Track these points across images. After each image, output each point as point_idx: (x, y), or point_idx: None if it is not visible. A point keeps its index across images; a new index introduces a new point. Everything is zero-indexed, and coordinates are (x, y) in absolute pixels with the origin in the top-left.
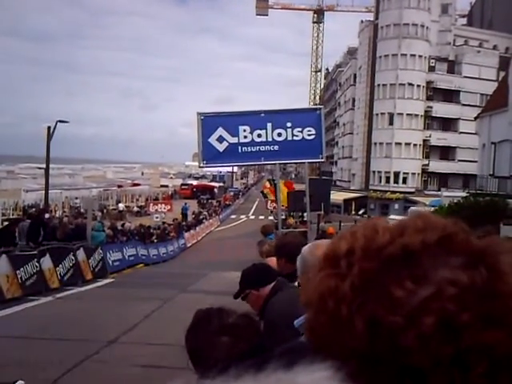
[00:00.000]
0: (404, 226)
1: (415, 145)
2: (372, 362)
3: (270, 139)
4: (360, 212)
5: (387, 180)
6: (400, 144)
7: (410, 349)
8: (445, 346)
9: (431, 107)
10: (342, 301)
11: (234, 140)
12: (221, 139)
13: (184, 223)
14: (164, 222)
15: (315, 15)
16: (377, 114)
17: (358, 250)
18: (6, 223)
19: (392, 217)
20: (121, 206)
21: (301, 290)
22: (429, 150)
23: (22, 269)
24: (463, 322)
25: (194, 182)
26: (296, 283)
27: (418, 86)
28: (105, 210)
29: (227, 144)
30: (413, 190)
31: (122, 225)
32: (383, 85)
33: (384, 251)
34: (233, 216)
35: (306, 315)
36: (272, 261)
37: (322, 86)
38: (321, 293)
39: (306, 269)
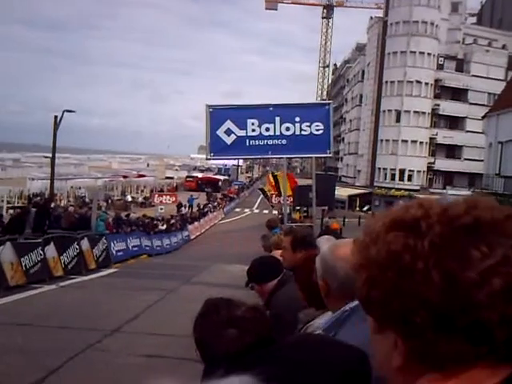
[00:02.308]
0: (476, 202)
1: (421, 142)
2: (444, 313)
3: (277, 133)
4: (364, 208)
5: (392, 177)
6: (406, 141)
7: (481, 304)
8: (511, 305)
9: (438, 105)
10: (420, 256)
11: (242, 133)
12: (229, 132)
13: (189, 215)
14: (171, 216)
15: (324, 10)
16: (384, 111)
17: (433, 215)
18: (17, 211)
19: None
20: (128, 197)
21: (354, 254)
22: (435, 148)
23: (26, 257)
24: None
25: (199, 175)
26: None
27: (426, 83)
28: (109, 201)
29: (235, 137)
30: (418, 187)
31: (127, 215)
32: (391, 82)
33: (458, 220)
34: (237, 209)
35: (362, 275)
36: (278, 253)
37: (330, 82)
38: (393, 250)
39: (327, 269)
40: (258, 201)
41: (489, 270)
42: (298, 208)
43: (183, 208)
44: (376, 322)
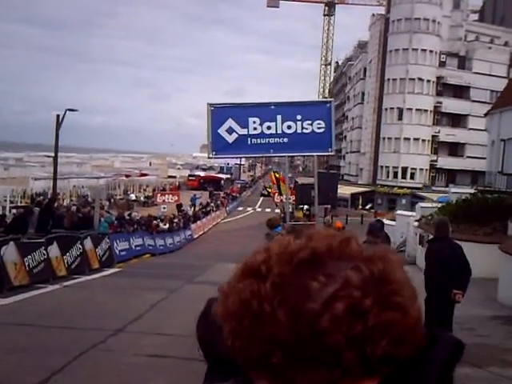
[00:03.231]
0: (310, 235)
1: (424, 140)
2: (295, 347)
3: (279, 131)
4: (367, 206)
5: (395, 175)
6: (408, 139)
7: (326, 330)
8: (355, 326)
9: (441, 103)
10: (265, 299)
11: (244, 131)
12: (230, 130)
13: (192, 214)
14: (174, 215)
15: (326, 8)
16: (386, 109)
17: (273, 256)
18: (20, 210)
19: (399, 212)
20: (132, 196)
21: (218, 305)
22: (437, 145)
23: (29, 256)
24: (367, 306)
25: (202, 174)
26: None
27: (428, 81)
28: (112, 200)
29: (237, 135)
30: (420, 185)
31: (129, 214)
32: (393, 79)
33: (296, 255)
34: (240, 208)
35: (226, 327)
36: None
37: (332, 80)
38: (243, 299)
39: None
40: (261, 199)
41: (330, 298)
42: (302, 207)
43: (187, 207)
44: (248, 372)
